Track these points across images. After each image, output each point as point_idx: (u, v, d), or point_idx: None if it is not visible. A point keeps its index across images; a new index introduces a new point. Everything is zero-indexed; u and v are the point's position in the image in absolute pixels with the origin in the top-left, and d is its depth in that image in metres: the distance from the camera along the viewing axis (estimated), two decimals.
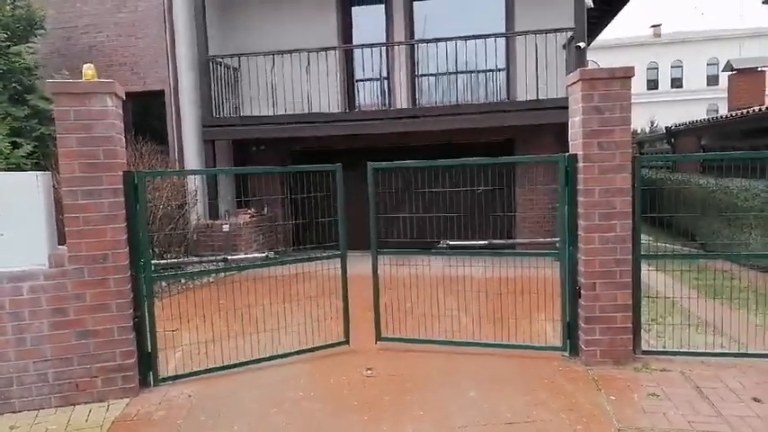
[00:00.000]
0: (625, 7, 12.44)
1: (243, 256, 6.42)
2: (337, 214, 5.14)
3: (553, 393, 4.10)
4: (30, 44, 9.27)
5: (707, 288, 6.25)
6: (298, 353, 4.98)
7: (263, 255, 6.13)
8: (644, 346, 4.72)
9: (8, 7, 9.00)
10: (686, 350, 4.73)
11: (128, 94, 4.92)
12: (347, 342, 5.18)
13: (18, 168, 7.88)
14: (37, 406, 4.03)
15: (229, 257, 5.22)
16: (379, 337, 5.26)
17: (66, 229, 4.06)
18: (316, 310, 5.41)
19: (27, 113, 8.76)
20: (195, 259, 7.57)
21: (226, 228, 9.45)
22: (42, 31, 9.49)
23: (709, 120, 14.10)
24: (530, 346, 4.94)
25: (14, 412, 3.99)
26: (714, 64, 38.67)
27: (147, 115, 10.37)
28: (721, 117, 13.71)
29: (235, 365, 4.73)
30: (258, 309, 5.41)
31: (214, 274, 7.67)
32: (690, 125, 14.48)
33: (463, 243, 5.30)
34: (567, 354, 4.77)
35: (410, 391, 4.23)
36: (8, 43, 8.68)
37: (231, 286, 6.10)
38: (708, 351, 4.71)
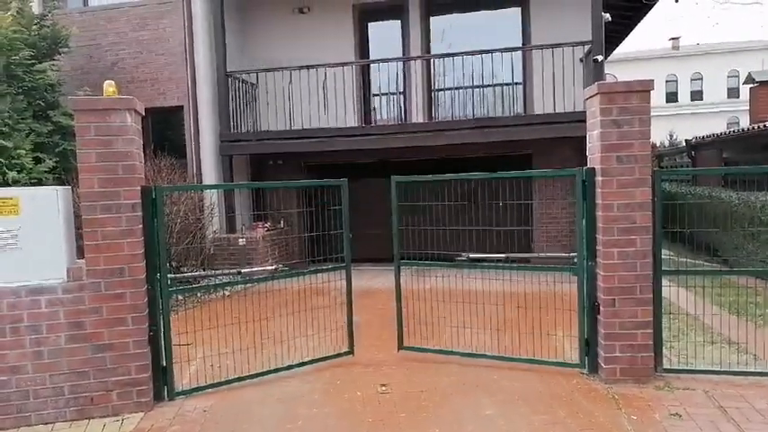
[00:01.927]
0: (644, 20, 12.38)
1: (257, 269, 6.45)
2: (349, 227, 5.19)
3: (572, 412, 4.00)
4: (54, 61, 9.49)
5: (730, 304, 6.10)
6: (300, 364, 5.00)
7: (273, 267, 6.19)
8: (665, 364, 4.60)
9: (34, 26, 9.24)
10: (709, 368, 4.60)
11: (148, 109, 4.99)
12: (351, 352, 5.23)
13: (40, 183, 8.04)
14: (52, 419, 4.05)
15: (243, 271, 5.24)
16: (400, 346, 5.31)
17: (85, 242, 4.10)
18: (326, 321, 5.41)
19: (50, 129, 8.93)
20: (210, 273, 7.61)
21: (242, 241, 9.50)
22: (67, 48, 9.71)
23: (730, 132, 13.89)
24: (547, 361, 4.86)
25: (30, 425, 4.00)
26: (735, 76, 38.20)
27: (166, 130, 10.52)
28: (743, 130, 13.49)
29: (246, 377, 4.74)
30: (270, 322, 5.41)
31: (229, 288, 7.70)
32: (710, 138, 14.28)
33: (482, 256, 5.29)
34: (585, 371, 4.68)
35: (425, 408, 4.17)
36: (33, 61, 8.89)
37: (245, 299, 6.11)
38: (732, 370, 4.58)
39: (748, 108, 18.70)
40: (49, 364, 4.04)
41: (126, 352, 4.16)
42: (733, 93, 38.65)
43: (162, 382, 4.39)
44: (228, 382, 4.67)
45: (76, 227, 4.31)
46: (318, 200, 5.80)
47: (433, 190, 5.78)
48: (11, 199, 4.00)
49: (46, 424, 4.02)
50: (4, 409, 3.98)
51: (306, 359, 5.06)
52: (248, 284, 6.29)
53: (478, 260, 5.30)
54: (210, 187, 9.75)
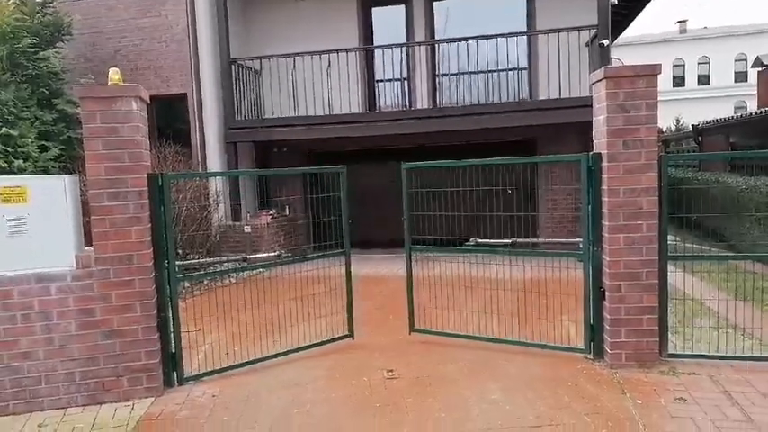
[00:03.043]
0: (650, 3, 12.22)
1: (261, 255, 6.52)
2: (352, 215, 5.27)
3: (577, 396, 4.04)
4: (57, 49, 9.47)
5: (736, 290, 6.10)
6: (308, 347, 5.12)
7: (276, 254, 6.25)
8: (671, 349, 4.62)
9: (37, 14, 9.22)
10: (714, 353, 4.61)
11: (152, 97, 4.98)
12: (351, 336, 5.34)
13: (46, 171, 8.07)
14: (64, 404, 4.11)
15: (249, 257, 5.29)
16: (412, 329, 5.42)
17: (93, 230, 4.14)
18: (330, 306, 5.46)
19: (55, 117, 8.95)
20: (217, 260, 7.66)
21: (247, 229, 9.54)
22: (69, 36, 9.69)
23: (737, 117, 13.79)
24: (553, 346, 4.89)
25: (42, 410, 4.07)
26: (742, 60, 37.82)
27: (170, 118, 10.52)
28: (750, 114, 13.38)
29: (255, 361, 4.83)
30: (276, 307, 5.46)
31: (236, 275, 7.75)
32: (717, 123, 14.18)
33: (489, 242, 5.33)
34: (590, 356, 4.70)
35: (432, 392, 4.21)
36: (36, 49, 8.88)
37: (251, 286, 6.14)
38: (737, 354, 4.59)
39: (756, 92, 18.54)
40: (59, 351, 4.09)
41: (135, 338, 4.21)
42: (740, 77, 38.28)
43: (171, 368, 4.45)
44: (237, 366, 4.74)
45: (84, 214, 4.34)
46: (322, 187, 5.82)
47: (441, 176, 5.78)
48: (19, 188, 4.02)
49: (58, 409, 4.08)
50: (17, 394, 4.05)
51: (311, 342, 5.15)
52: (254, 271, 6.33)
53: (486, 245, 5.33)
54: (216, 174, 9.77)
